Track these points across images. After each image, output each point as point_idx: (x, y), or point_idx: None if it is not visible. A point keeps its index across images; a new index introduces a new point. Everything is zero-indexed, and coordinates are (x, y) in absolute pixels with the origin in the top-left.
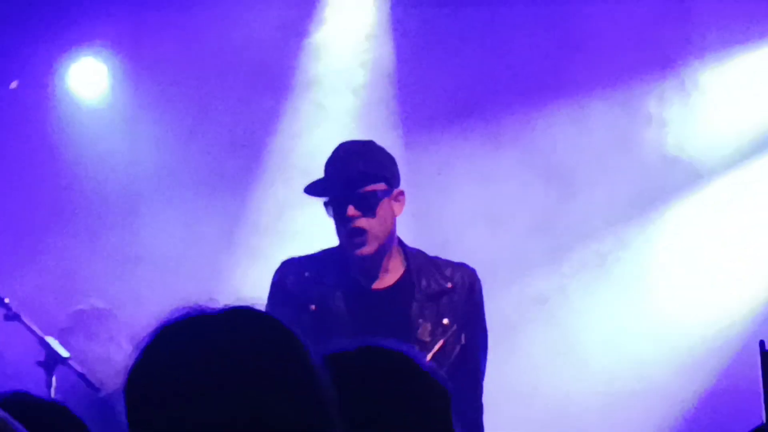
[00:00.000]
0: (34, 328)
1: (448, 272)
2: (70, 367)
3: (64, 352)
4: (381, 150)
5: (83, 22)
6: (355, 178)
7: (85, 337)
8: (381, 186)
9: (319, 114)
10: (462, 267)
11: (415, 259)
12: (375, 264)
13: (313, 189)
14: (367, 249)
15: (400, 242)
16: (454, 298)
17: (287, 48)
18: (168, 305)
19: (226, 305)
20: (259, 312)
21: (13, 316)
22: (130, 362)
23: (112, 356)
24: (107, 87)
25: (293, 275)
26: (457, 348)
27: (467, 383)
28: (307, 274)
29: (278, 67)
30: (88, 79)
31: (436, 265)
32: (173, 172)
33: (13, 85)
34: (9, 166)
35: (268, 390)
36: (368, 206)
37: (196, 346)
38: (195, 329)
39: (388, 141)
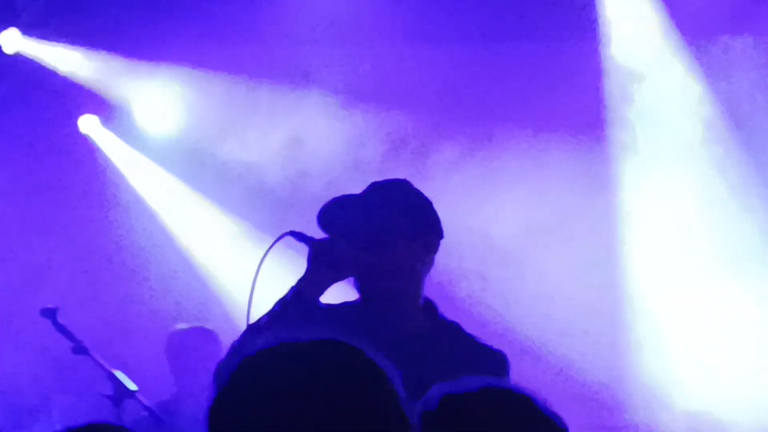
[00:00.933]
0: (102, 362)
1: None
2: (138, 400)
3: (132, 386)
4: None
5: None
6: None
7: (196, 359)
8: None
9: None
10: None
11: None
12: None
13: None
14: None
15: None
16: None
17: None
18: None
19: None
20: (343, 342)
21: (81, 350)
22: (212, 392)
23: None
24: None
25: None
26: None
27: None
28: None
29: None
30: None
31: None
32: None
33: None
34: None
35: (355, 421)
36: None
37: (282, 377)
38: (280, 359)
39: None
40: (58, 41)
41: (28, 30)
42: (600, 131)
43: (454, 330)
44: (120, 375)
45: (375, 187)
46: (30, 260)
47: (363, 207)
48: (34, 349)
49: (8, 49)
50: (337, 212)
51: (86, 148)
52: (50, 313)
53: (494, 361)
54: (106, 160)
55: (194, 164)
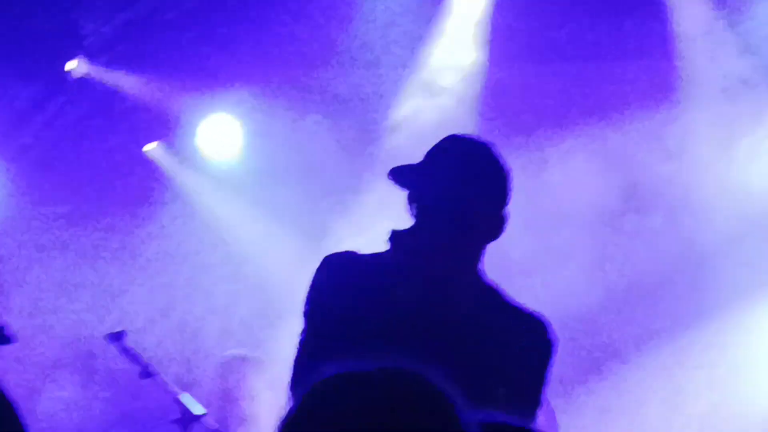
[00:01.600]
0: (170, 385)
1: None
2: (204, 424)
3: (199, 410)
4: None
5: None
6: None
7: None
8: None
9: None
10: None
11: None
12: None
13: None
14: None
15: None
16: None
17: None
18: None
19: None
20: (410, 371)
21: (147, 374)
22: (282, 420)
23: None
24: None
25: None
26: None
27: None
28: None
29: None
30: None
31: None
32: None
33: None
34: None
35: None
36: None
37: (350, 404)
38: (348, 387)
39: None
40: (123, 67)
41: (94, 57)
42: None
43: (500, 297)
44: (187, 398)
45: (454, 146)
46: (97, 284)
47: (443, 170)
48: (103, 373)
49: (76, 75)
50: (414, 172)
51: (152, 172)
52: (117, 337)
53: (540, 330)
54: (172, 185)
55: (258, 189)
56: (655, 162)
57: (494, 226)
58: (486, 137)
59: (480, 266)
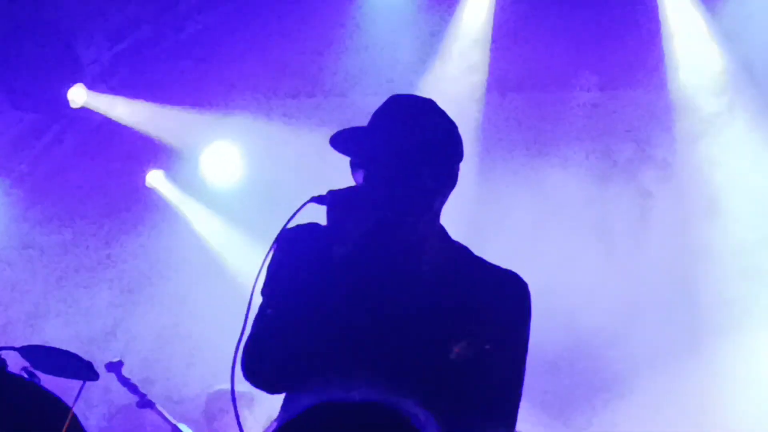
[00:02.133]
0: (168, 416)
1: None
2: None
3: None
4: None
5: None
6: None
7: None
8: None
9: None
10: None
11: None
12: None
13: None
14: None
15: None
16: None
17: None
18: None
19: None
20: (388, 406)
21: (145, 404)
22: None
23: None
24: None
25: None
26: None
27: None
28: None
29: None
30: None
31: None
32: None
33: None
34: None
35: None
36: None
37: None
38: (329, 419)
39: None
40: (123, 94)
41: (94, 84)
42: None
43: (468, 253)
44: (184, 428)
45: (396, 105)
46: (95, 312)
47: (385, 128)
48: (100, 404)
49: (75, 104)
50: (355, 137)
51: (152, 200)
52: (115, 367)
53: (515, 283)
54: (173, 212)
55: (259, 216)
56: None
57: (444, 176)
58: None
59: (439, 223)
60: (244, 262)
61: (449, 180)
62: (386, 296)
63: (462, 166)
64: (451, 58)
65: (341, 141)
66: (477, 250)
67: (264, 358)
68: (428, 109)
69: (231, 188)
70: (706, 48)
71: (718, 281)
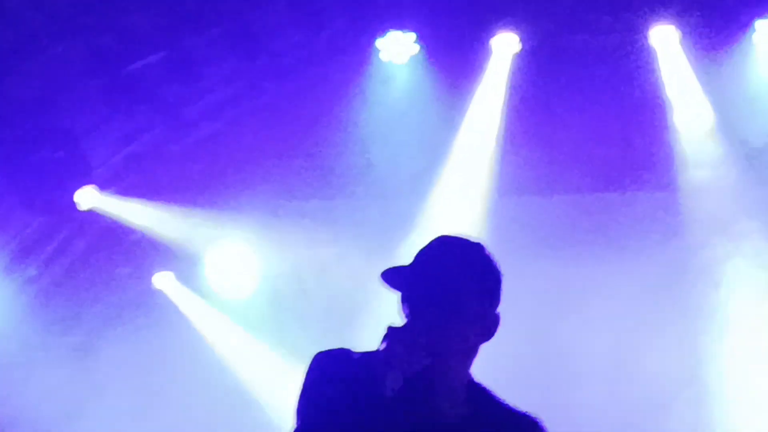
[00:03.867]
0: None
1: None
2: None
3: None
4: None
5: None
6: None
7: None
8: None
9: None
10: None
11: None
12: None
13: None
14: None
15: None
16: None
17: None
18: None
19: None
20: None
21: None
22: None
23: None
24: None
25: None
26: None
27: None
28: None
29: None
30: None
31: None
32: None
33: None
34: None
35: None
36: None
37: None
38: None
39: None
40: (133, 196)
41: (103, 186)
42: None
43: (488, 396)
44: None
45: (445, 246)
46: (107, 416)
47: (436, 265)
48: None
49: (84, 206)
50: (405, 274)
51: (161, 303)
52: None
53: (531, 428)
54: (181, 316)
55: (269, 321)
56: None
57: (487, 325)
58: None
59: (470, 367)
60: (250, 367)
61: (491, 330)
62: None
63: None
64: (458, 162)
65: (391, 276)
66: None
67: None
68: (476, 254)
69: (239, 291)
70: (714, 143)
71: None
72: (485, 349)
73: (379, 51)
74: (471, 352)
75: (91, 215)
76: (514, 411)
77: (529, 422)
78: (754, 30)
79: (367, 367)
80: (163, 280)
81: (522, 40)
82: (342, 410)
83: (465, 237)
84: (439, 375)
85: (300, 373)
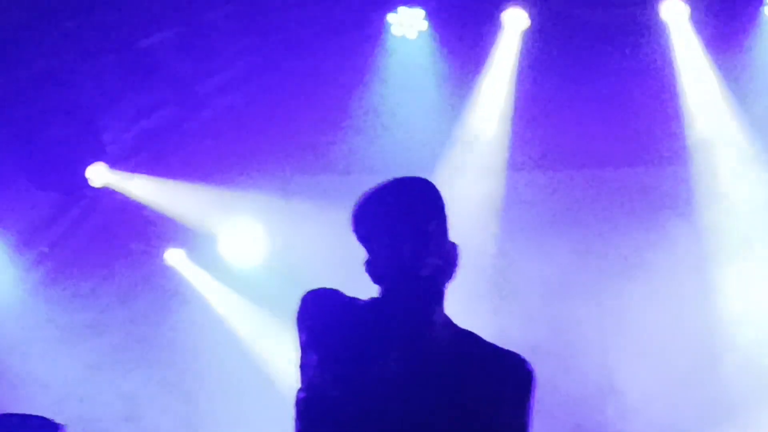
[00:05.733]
0: None
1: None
2: None
3: None
4: None
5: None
6: None
7: None
8: None
9: None
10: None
11: None
12: None
13: None
14: None
15: None
16: None
17: None
18: None
19: None
20: None
21: None
22: None
23: None
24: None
25: None
26: None
27: None
28: None
29: None
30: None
31: None
32: None
33: None
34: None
35: None
36: None
37: None
38: None
39: None
40: (145, 173)
41: (115, 163)
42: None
43: (474, 338)
44: None
45: (403, 186)
46: (117, 393)
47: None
48: None
49: (96, 183)
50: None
51: (173, 279)
52: None
53: (520, 368)
54: (194, 292)
55: (279, 295)
56: None
57: (445, 254)
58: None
59: (444, 311)
60: (264, 340)
61: (451, 259)
62: (414, 395)
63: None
64: (469, 138)
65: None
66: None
67: None
68: (417, 189)
69: (249, 265)
70: (725, 119)
71: None
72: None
73: (390, 25)
74: (440, 293)
75: (103, 192)
76: (501, 350)
77: (516, 360)
78: (765, 4)
79: (363, 312)
80: (175, 257)
81: (531, 15)
82: (354, 367)
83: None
84: (417, 327)
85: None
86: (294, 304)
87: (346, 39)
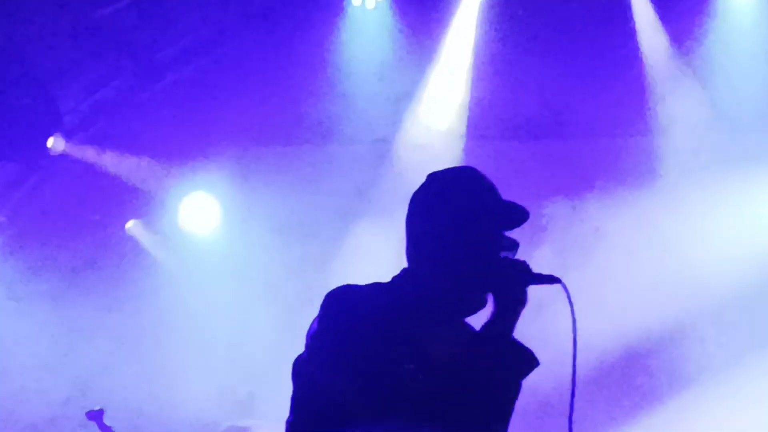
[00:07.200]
0: None
1: None
2: None
3: None
4: None
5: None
6: None
7: None
8: None
9: None
10: None
11: None
12: None
13: None
14: None
15: None
16: None
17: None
18: None
19: None
20: None
21: None
22: None
23: None
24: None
25: None
26: None
27: None
28: None
29: None
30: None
31: None
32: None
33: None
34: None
35: None
36: None
37: None
38: None
39: None
40: (101, 144)
41: (72, 134)
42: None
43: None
44: None
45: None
46: (78, 361)
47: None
48: None
49: (52, 152)
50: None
51: (132, 249)
52: (96, 416)
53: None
54: (153, 261)
55: (236, 261)
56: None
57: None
58: None
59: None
60: (222, 305)
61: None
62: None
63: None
64: (430, 105)
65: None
66: None
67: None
68: (465, 179)
69: (207, 235)
70: (690, 92)
71: None
72: None
73: None
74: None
75: (60, 161)
76: (518, 343)
77: (527, 354)
78: None
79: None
80: (135, 227)
81: None
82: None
83: (454, 168)
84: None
85: (281, 313)
86: (251, 271)
87: (305, 9)
